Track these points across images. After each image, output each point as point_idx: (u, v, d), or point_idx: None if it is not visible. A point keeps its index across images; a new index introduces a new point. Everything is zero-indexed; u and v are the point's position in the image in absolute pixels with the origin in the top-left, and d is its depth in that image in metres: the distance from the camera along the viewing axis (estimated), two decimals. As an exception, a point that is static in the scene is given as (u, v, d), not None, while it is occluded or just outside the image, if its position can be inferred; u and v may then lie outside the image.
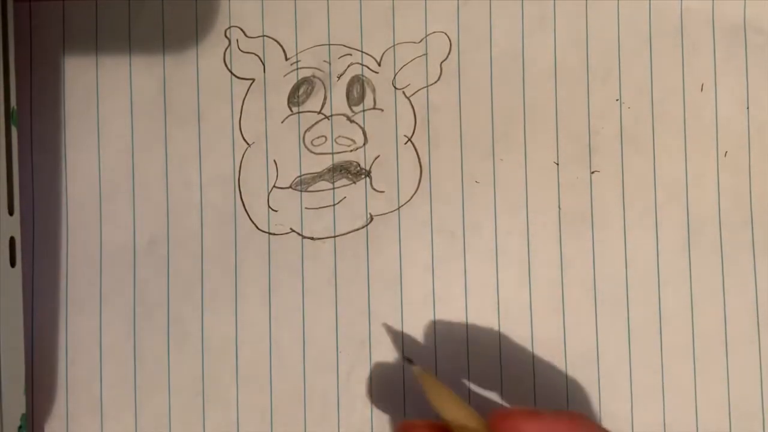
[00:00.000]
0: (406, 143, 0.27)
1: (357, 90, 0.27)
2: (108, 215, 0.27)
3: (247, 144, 0.27)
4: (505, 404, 0.27)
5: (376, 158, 0.27)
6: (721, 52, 0.28)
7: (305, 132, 0.27)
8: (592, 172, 0.27)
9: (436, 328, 0.27)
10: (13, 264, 0.25)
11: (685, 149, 0.28)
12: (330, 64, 0.27)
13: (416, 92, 0.27)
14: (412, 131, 0.27)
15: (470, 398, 0.27)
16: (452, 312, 0.27)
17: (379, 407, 0.27)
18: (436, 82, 0.27)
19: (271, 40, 0.27)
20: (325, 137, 0.27)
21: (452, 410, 0.23)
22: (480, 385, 0.27)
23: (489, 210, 0.27)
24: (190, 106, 0.27)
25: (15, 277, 0.25)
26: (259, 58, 0.27)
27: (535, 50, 0.28)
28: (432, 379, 0.24)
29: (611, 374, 0.27)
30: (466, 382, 0.27)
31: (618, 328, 0.27)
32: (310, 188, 0.27)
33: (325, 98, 0.27)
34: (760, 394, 0.27)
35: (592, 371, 0.27)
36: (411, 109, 0.27)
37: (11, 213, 0.25)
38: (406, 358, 0.25)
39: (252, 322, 0.27)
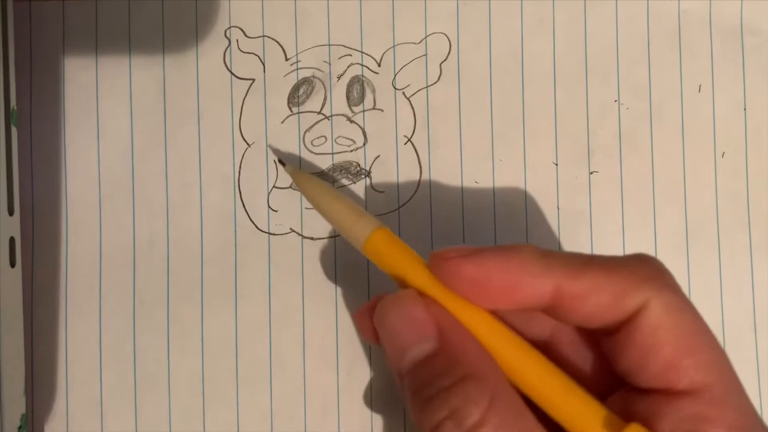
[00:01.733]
0: (405, 143, 0.27)
1: (357, 90, 0.27)
2: (108, 215, 0.27)
3: (247, 144, 0.27)
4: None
5: (376, 158, 0.27)
6: (719, 54, 0.28)
7: (305, 132, 0.27)
8: (591, 173, 0.28)
9: (435, 327, 0.27)
10: (12, 264, 0.25)
11: (683, 150, 0.28)
12: (330, 64, 0.27)
13: (416, 93, 0.27)
14: (411, 131, 0.27)
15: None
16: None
17: (379, 407, 0.27)
18: (435, 82, 0.28)
19: (271, 40, 0.27)
20: (325, 137, 0.27)
21: (338, 211, 0.23)
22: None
23: (488, 210, 0.27)
24: (190, 106, 0.27)
25: (15, 277, 0.25)
26: (259, 59, 0.27)
27: (535, 51, 0.28)
28: (309, 178, 0.24)
29: (610, 374, 0.27)
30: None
31: (616, 328, 0.27)
32: (310, 188, 0.27)
33: (325, 98, 0.27)
34: (758, 394, 0.27)
35: (591, 371, 0.27)
36: (411, 110, 0.27)
37: (11, 213, 0.25)
38: (278, 161, 0.25)
39: (252, 322, 0.27)
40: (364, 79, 0.27)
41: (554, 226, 0.27)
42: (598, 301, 0.20)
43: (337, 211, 0.24)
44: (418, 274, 0.22)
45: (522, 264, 0.20)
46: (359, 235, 0.23)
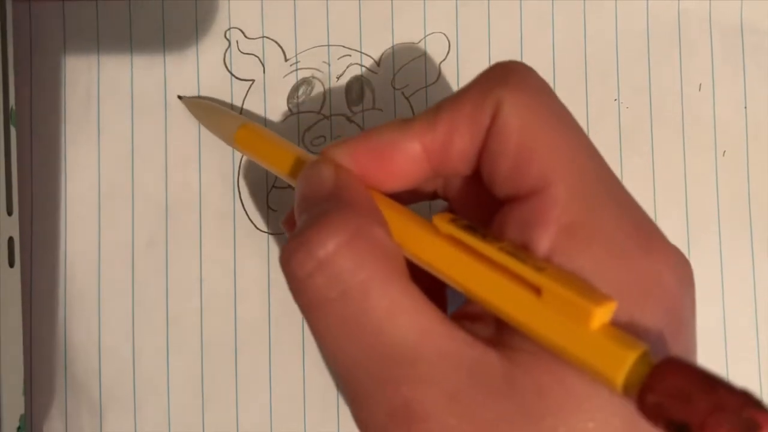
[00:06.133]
0: (405, 143, 0.27)
1: (356, 90, 0.27)
2: (107, 215, 0.27)
3: (247, 144, 0.27)
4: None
5: (375, 158, 0.27)
6: (719, 52, 0.28)
7: (305, 132, 0.27)
8: (591, 172, 0.27)
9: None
10: (12, 264, 0.25)
11: (683, 149, 0.28)
12: (329, 64, 0.27)
13: (415, 92, 0.28)
14: (411, 131, 0.27)
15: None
16: (451, 310, 0.27)
17: (379, 407, 0.27)
18: (434, 82, 0.28)
19: (270, 41, 0.28)
20: (325, 137, 0.27)
21: (214, 121, 0.26)
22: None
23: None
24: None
25: (14, 277, 0.25)
26: (259, 60, 0.27)
27: (534, 51, 0.28)
28: (198, 103, 0.26)
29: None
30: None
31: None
32: (310, 188, 0.27)
33: (324, 99, 0.27)
34: (760, 394, 0.27)
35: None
36: (410, 110, 0.27)
37: (10, 213, 0.25)
38: (179, 96, 0.26)
39: (251, 322, 0.27)
40: (363, 79, 0.27)
41: (554, 226, 0.27)
42: (463, 138, 0.19)
43: (214, 121, 0.26)
44: (287, 159, 0.22)
45: (382, 137, 0.20)
46: (228, 132, 0.24)
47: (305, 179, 0.20)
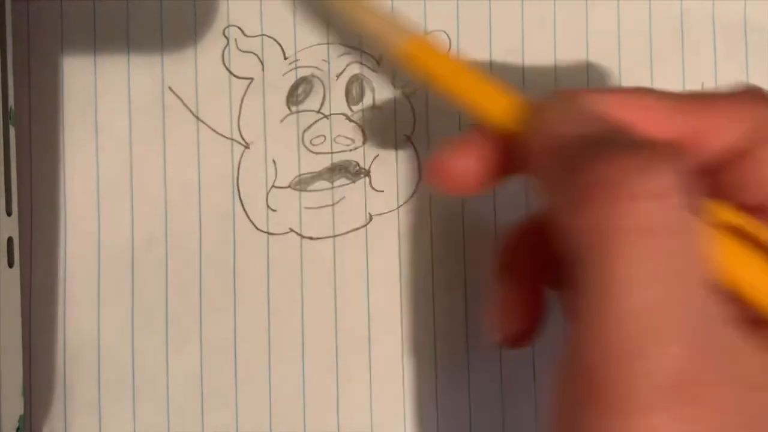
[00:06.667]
0: (405, 142, 0.27)
1: (356, 89, 0.27)
2: (106, 215, 0.27)
3: (246, 143, 0.27)
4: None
5: (375, 157, 0.27)
6: (722, 51, 0.28)
7: (304, 131, 0.27)
8: (593, 171, 0.27)
9: (435, 327, 0.27)
10: (11, 264, 0.25)
11: (685, 148, 0.27)
12: (329, 63, 0.27)
13: (416, 91, 0.27)
14: (411, 130, 0.27)
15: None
16: (452, 311, 0.27)
17: (379, 407, 0.27)
18: (435, 81, 0.27)
19: (269, 39, 0.27)
20: (324, 136, 0.27)
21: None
22: (478, 383, 0.27)
23: (489, 209, 0.27)
24: (189, 105, 0.27)
25: (13, 277, 0.25)
26: (258, 58, 0.27)
27: (535, 49, 0.27)
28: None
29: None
30: (465, 383, 0.27)
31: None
32: (309, 188, 0.27)
33: (324, 97, 0.27)
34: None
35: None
36: (410, 109, 0.27)
37: (9, 213, 0.25)
38: None
39: (251, 322, 0.27)
40: (363, 77, 0.27)
41: (555, 225, 0.27)
42: (733, 132, 0.19)
43: (375, 27, 0.23)
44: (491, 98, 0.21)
45: (642, 99, 0.19)
46: (391, 45, 0.22)
47: (569, 119, 0.18)
